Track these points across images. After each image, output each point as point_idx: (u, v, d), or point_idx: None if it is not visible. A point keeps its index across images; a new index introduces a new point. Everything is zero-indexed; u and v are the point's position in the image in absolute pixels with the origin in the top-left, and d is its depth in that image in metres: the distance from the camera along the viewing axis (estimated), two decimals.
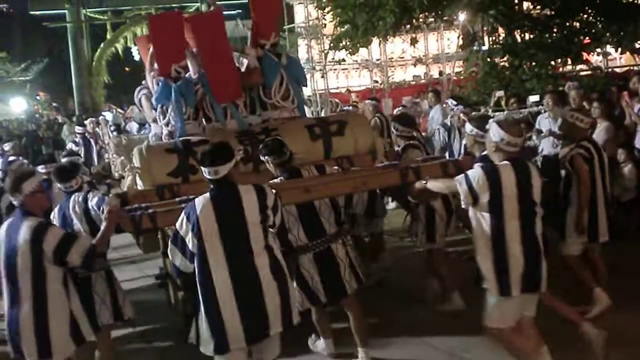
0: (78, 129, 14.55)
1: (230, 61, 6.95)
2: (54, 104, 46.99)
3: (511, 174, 4.73)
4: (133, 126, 13.05)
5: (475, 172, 4.77)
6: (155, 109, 6.88)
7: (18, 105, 37.87)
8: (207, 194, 4.51)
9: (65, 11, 34.79)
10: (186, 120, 6.55)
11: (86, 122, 14.59)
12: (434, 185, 5.29)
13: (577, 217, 6.36)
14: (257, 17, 7.30)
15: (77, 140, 13.91)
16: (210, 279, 4.39)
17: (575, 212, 6.38)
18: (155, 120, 7.06)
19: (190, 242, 4.44)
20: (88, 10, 34.75)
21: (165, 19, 7.47)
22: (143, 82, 7.73)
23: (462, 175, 4.85)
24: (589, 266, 6.57)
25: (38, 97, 48.73)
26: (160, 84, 6.73)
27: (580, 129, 6.52)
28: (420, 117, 15.59)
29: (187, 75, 6.75)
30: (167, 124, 6.73)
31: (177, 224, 4.52)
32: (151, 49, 7.03)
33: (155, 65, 6.95)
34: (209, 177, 4.49)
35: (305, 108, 8.31)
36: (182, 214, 4.51)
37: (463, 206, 4.95)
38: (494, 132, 4.80)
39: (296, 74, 7.18)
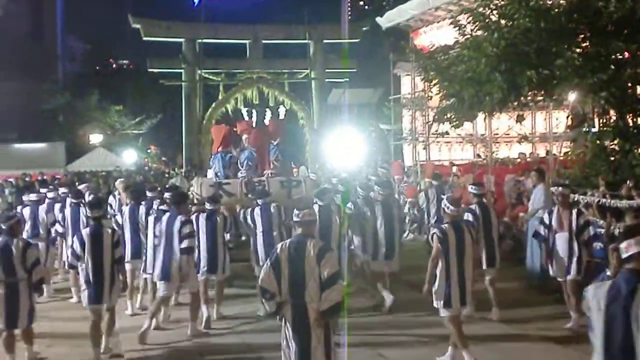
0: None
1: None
2: (163, 158, 48.76)
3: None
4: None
5: None
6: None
7: (129, 157, 39.45)
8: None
9: (182, 70, 36.26)
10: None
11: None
12: None
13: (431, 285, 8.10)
14: (273, 132, 16.02)
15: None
16: None
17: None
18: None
19: None
20: (203, 70, 36.10)
21: (219, 129, 16.34)
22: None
23: None
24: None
25: (149, 151, 50.70)
26: (214, 155, 15.17)
27: (449, 215, 8.30)
28: (524, 196, 15.32)
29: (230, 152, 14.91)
30: (215, 174, 14.55)
31: None
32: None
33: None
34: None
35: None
36: None
37: None
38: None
39: (285, 155, 15.59)
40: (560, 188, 10.01)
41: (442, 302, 8.04)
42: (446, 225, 8.21)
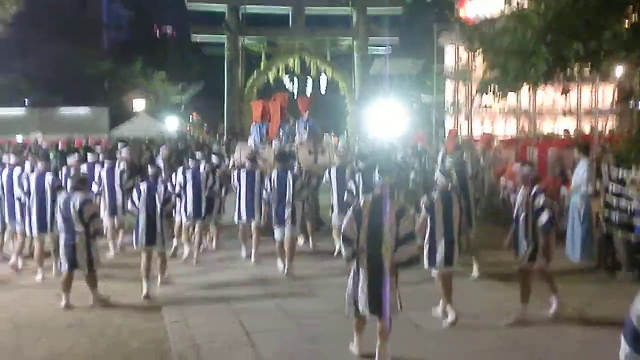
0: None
1: (277, 120, 17.16)
2: (205, 126, 49.12)
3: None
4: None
5: None
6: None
7: (172, 124, 39.80)
8: None
9: (224, 39, 36.32)
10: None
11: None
12: None
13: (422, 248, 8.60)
14: (301, 108, 17.72)
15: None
16: None
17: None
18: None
19: None
20: (245, 39, 36.13)
21: (258, 103, 18.47)
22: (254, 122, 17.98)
23: None
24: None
25: (191, 118, 51.10)
26: (253, 125, 17.70)
27: (440, 186, 8.91)
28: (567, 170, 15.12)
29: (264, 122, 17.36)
30: (253, 140, 17.01)
31: None
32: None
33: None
34: None
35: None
36: None
37: None
38: None
39: (313, 128, 16.92)
40: (519, 166, 9.53)
41: (429, 262, 8.79)
42: (435, 194, 8.90)
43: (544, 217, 8.54)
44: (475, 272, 11.02)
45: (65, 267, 9.70)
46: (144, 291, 10.12)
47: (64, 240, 9.68)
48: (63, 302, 9.58)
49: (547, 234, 8.66)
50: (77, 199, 9.57)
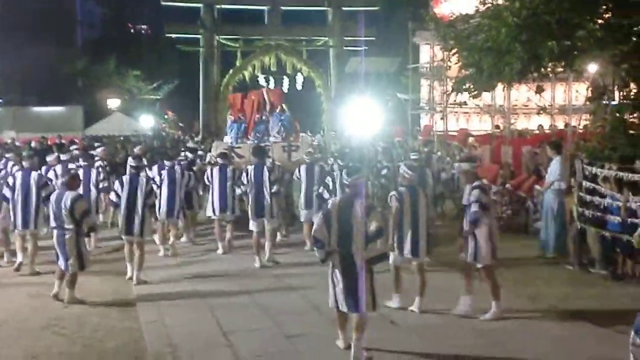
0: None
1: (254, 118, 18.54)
2: (180, 124, 48.84)
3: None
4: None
5: None
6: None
7: (146, 122, 39.55)
8: None
9: (199, 36, 36.12)
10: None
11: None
12: None
13: (391, 237, 8.86)
14: (274, 101, 18.53)
15: None
16: None
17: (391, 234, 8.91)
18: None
19: None
20: (221, 37, 35.97)
21: (235, 97, 20.26)
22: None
23: None
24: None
25: (166, 116, 50.79)
26: (231, 122, 18.79)
27: (406, 179, 9.16)
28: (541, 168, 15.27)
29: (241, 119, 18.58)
30: (230, 138, 17.72)
31: None
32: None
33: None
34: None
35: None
36: None
37: None
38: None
39: (286, 123, 17.63)
40: (461, 165, 9.39)
41: (396, 252, 8.99)
42: (403, 188, 9.12)
43: (472, 210, 8.56)
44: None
45: (61, 264, 9.79)
46: (128, 274, 10.98)
47: (56, 237, 9.79)
48: (54, 291, 9.80)
49: (475, 227, 8.56)
50: (68, 197, 9.64)
